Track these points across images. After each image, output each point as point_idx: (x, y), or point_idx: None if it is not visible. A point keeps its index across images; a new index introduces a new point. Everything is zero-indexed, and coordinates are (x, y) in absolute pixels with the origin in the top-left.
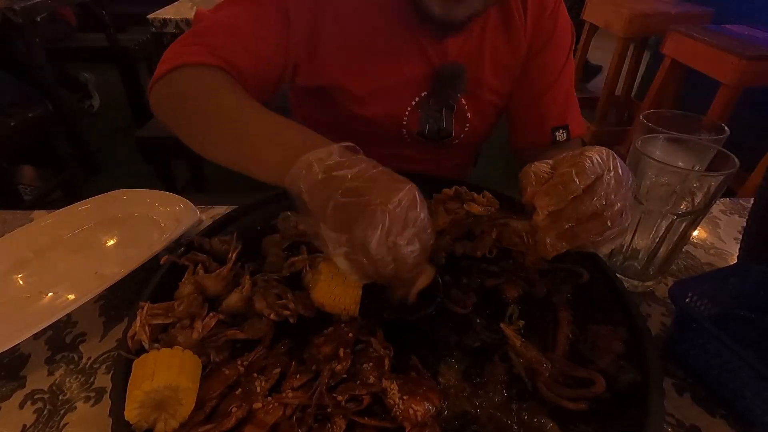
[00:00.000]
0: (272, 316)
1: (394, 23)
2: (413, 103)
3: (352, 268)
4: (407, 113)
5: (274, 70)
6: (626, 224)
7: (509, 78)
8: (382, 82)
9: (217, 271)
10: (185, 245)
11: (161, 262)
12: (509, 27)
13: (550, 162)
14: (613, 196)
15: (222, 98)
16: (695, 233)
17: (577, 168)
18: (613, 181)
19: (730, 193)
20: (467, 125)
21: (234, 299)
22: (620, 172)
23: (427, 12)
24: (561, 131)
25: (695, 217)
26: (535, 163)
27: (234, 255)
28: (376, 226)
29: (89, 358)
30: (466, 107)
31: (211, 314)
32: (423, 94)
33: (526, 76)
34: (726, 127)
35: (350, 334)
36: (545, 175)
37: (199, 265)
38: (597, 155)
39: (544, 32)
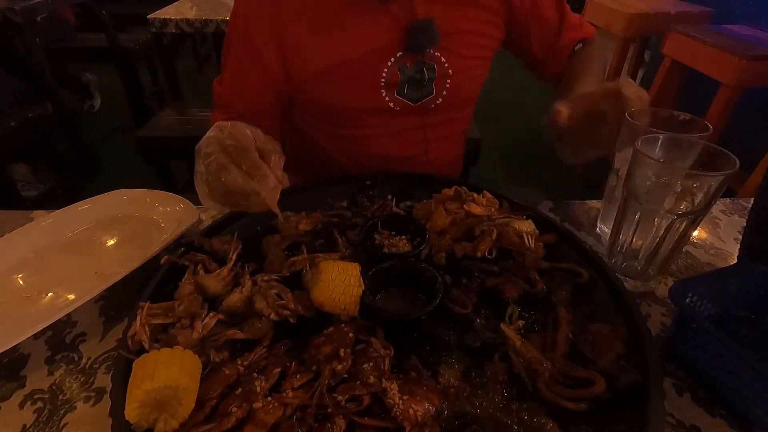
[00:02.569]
0: (272, 316)
1: None
2: (389, 63)
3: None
4: (384, 74)
5: (272, 98)
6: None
7: (491, 30)
8: (356, 49)
9: (217, 271)
10: (185, 245)
11: (161, 262)
12: None
13: None
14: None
15: None
16: (695, 233)
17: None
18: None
19: (730, 193)
20: (448, 81)
21: (234, 299)
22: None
23: None
24: (578, 44)
25: (695, 217)
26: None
27: (234, 255)
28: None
29: (89, 358)
30: (446, 64)
31: (211, 314)
32: (398, 54)
33: (526, 23)
34: (709, 125)
35: (350, 334)
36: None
37: (199, 265)
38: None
39: None
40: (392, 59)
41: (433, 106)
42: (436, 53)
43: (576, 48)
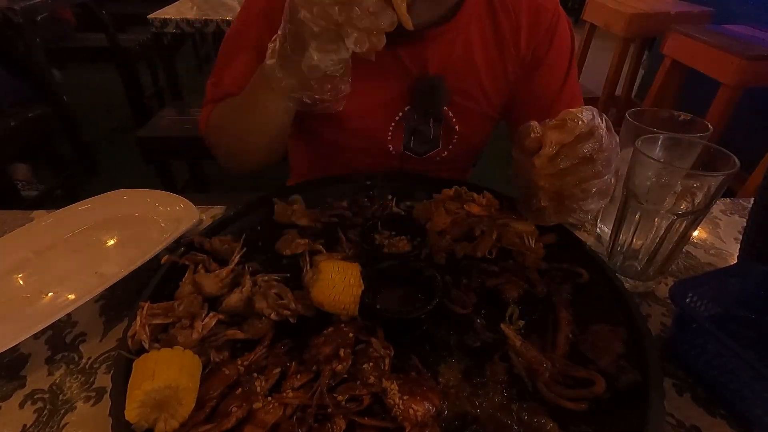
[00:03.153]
0: (272, 316)
1: None
2: (396, 117)
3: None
4: (391, 128)
5: None
6: (609, 179)
7: (503, 88)
8: (364, 100)
9: (216, 272)
10: (185, 245)
11: (162, 262)
12: (499, 39)
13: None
14: (605, 142)
15: (227, 106)
16: (695, 233)
17: (578, 114)
18: (605, 132)
19: (730, 193)
20: (455, 137)
21: (234, 299)
22: (607, 127)
23: None
24: None
25: (695, 217)
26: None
27: (237, 257)
28: None
29: (89, 358)
30: (454, 120)
31: (211, 314)
32: (406, 109)
33: (527, 91)
34: (709, 125)
35: (350, 334)
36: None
37: (200, 265)
38: (587, 111)
39: (541, 47)
40: (400, 114)
41: (438, 158)
42: (445, 108)
43: None
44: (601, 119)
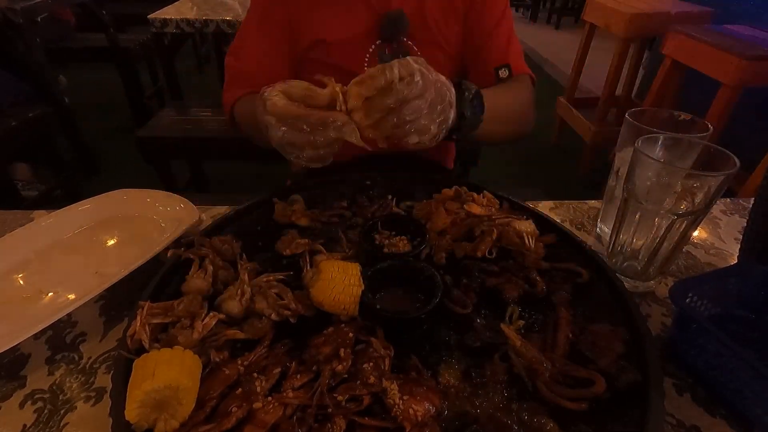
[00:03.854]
0: (273, 316)
1: None
2: (371, 49)
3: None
4: (366, 61)
5: (290, 74)
6: (424, 122)
7: (453, 22)
8: (339, 32)
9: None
10: (185, 245)
11: (168, 256)
12: None
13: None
14: (405, 95)
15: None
16: (695, 233)
17: (385, 68)
18: (409, 85)
19: (730, 193)
20: None
21: (234, 308)
22: (430, 77)
23: None
24: (503, 69)
25: (695, 217)
26: None
27: (246, 276)
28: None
29: (89, 358)
30: (419, 53)
31: (211, 314)
32: (377, 42)
33: (468, 24)
34: (709, 125)
35: (350, 334)
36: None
37: (205, 259)
38: (405, 62)
39: None
40: (372, 47)
41: None
42: (409, 41)
43: (500, 72)
44: (413, 69)
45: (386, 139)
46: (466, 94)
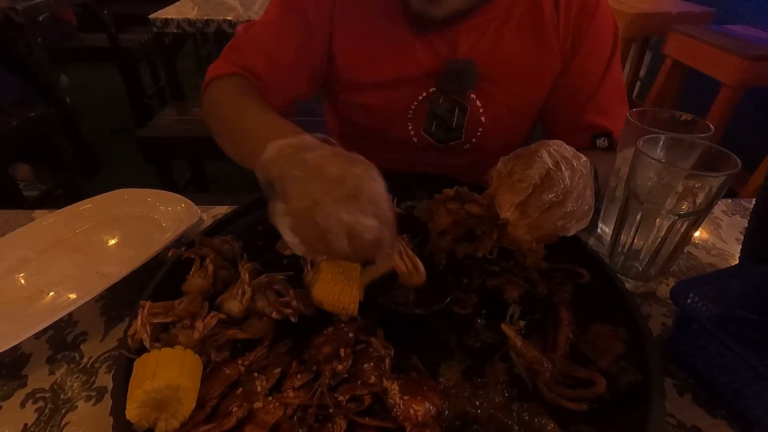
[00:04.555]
0: (274, 315)
1: (397, 19)
2: (420, 97)
3: (296, 239)
4: (413, 107)
5: (294, 73)
6: (586, 207)
7: (539, 82)
8: (391, 74)
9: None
10: (186, 245)
11: (168, 255)
12: (537, 26)
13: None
14: (568, 182)
15: (234, 103)
16: (697, 234)
17: (531, 162)
18: (566, 170)
19: (731, 193)
20: (480, 129)
21: (235, 308)
22: (574, 163)
23: (408, 7)
24: (603, 139)
25: (697, 218)
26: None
27: (247, 276)
28: (321, 193)
29: (90, 358)
30: (481, 110)
31: (211, 314)
32: (431, 90)
33: (564, 82)
34: (711, 125)
35: (350, 334)
36: (504, 171)
37: (206, 258)
38: (547, 149)
39: (581, 33)
40: (424, 94)
41: (459, 151)
42: (472, 95)
43: (598, 142)
44: (558, 156)
45: (541, 238)
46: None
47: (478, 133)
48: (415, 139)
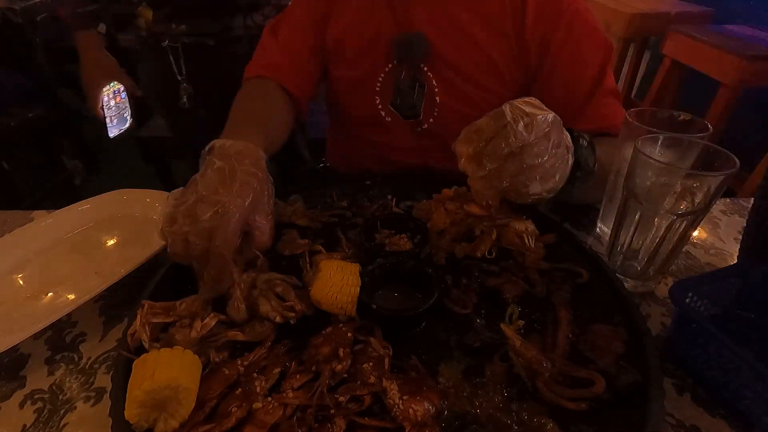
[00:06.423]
0: (277, 319)
1: None
2: (386, 70)
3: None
4: (380, 79)
5: (313, 56)
6: (549, 165)
7: (496, 73)
8: (360, 38)
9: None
10: None
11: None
12: (491, 18)
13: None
14: (525, 135)
15: (234, 106)
16: (695, 233)
17: (493, 117)
18: (526, 124)
19: (730, 193)
20: (436, 109)
21: (236, 317)
22: (538, 118)
23: None
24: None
25: (695, 217)
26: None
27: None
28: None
29: (89, 358)
30: (436, 89)
31: (211, 314)
32: (395, 62)
33: (545, 88)
34: (709, 125)
35: (349, 334)
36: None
37: None
38: (512, 105)
39: (551, 29)
40: (389, 66)
41: (419, 129)
42: (429, 73)
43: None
44: (519, 112)
45: (499, 193)
46: (582, 141)
47: (435, 113)
48: (383, 113)
